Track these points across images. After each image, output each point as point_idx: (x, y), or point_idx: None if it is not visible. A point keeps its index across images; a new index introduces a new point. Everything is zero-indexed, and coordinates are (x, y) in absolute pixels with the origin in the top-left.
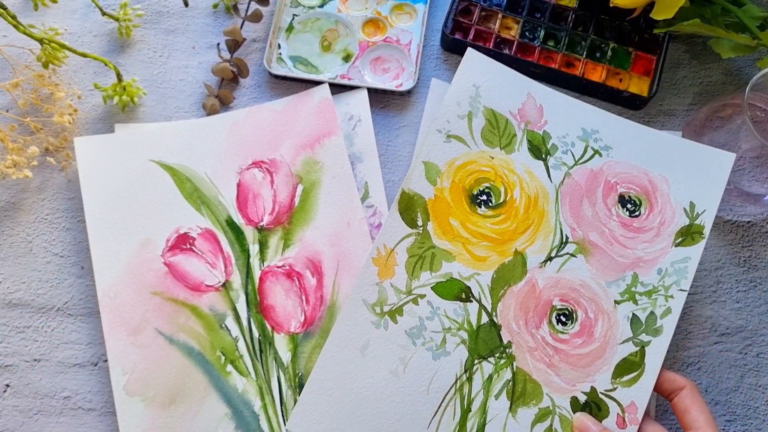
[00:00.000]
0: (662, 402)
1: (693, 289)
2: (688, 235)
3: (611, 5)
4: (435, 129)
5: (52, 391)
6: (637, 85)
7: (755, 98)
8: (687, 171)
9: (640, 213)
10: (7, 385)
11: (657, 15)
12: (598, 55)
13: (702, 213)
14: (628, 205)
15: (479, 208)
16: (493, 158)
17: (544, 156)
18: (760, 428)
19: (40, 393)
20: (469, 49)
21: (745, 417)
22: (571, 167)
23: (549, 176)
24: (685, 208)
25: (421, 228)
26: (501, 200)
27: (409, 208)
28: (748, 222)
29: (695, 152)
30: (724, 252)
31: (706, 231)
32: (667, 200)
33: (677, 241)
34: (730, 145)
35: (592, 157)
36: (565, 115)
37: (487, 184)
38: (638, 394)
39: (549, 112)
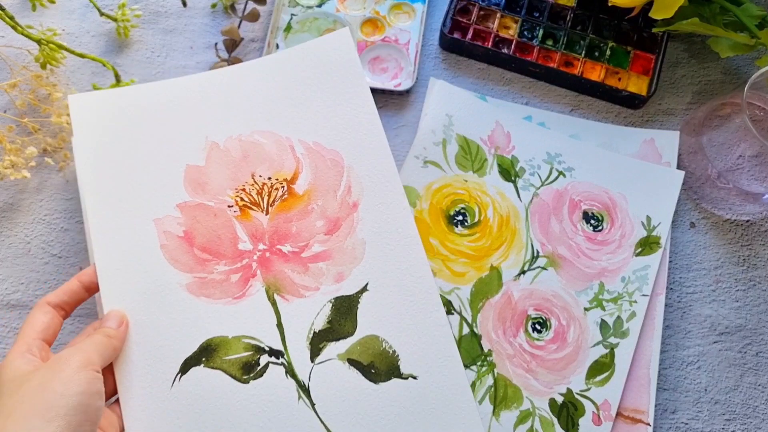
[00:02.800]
0: (662, 402)
1: (692, 288)
2: (646, 245)
3: (610, 4)
4: (413, 155)
5: None
6: (636, 84)
7: (754, 97)
8: (642, 188)
9: (602, 227)
10: None
11: (656, 14)
12: (596, 54)
13: (658, 225)
14: (592, 221)
15: (456, 228)
16: (466, 181)
17: (513, 178)
18: (759, 427)
19: None
20: (432, 79)
21: (745, 416)
22: (539, 188)
23: (519, 196)
24: (642, 222)
25: None
26: (476, 220)
27: None
28: (747, 221)
29: (649, 171)
30: (724, 251)
31: (663, 241)
32: (626, 215)
33: (637, 252)
34: (728, 144)
35: (556, 178)
36: (531, 140)
37: (463, 206)
38: (611, 392)
39: (516, 138)
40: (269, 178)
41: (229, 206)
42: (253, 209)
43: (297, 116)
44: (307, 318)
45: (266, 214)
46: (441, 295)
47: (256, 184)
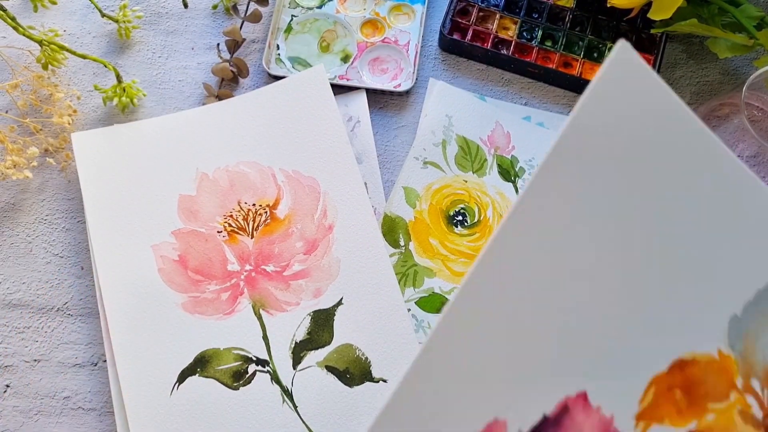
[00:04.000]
0: None
1: None
2: None
3: (608, 5)
4: (413, 156)
5: (52, 392)
6: None
7: (752, 98)
8: None
9: None
10: (7, 386)
11: (654, 15)
12: (595, 55)
13: None
14: None
15: (456, 228)
16: (466, 182)
17: (513, 178)
18: None
19: (40, 393)
20: (432, 80)
21: None
22: None
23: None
24: None
25: (404, 248)
26: (475, 220)
27: (392, 230)
28: None
29: None
30: None
31: None
32: None
33: None
34: (727, 144)
35: None
36: (531, 140)
37: (462, 206)
38: None
39: (516, 138)
40: (254, 205)
41: (218, 232)
42: (239, 233)
43: (278, 147)
44: (289, 330)
45: (251, 238)
46: (441, 295)
47: (242, 210)
